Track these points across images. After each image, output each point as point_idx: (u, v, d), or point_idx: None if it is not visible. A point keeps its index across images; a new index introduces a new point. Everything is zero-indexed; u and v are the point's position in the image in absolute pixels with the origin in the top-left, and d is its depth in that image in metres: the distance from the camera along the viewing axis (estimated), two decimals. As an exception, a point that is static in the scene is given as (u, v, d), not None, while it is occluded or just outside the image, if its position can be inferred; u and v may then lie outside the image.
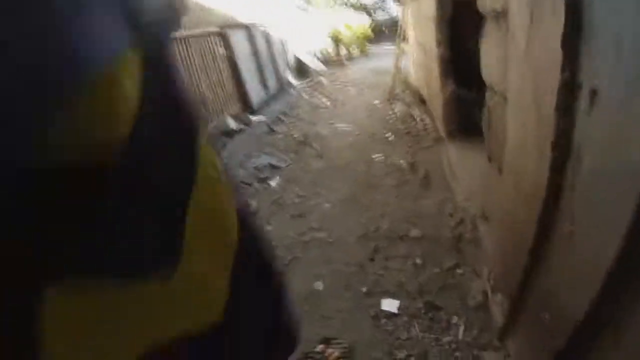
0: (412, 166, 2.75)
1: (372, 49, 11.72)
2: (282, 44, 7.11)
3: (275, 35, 6.52)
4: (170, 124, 0.46)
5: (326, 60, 9.39)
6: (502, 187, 1.22)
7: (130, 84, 0.36)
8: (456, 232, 1.90)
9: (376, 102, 4.92)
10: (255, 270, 0.67)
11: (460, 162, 2.49)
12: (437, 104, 3.26)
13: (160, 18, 0.47)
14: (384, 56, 9.18)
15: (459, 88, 2.88)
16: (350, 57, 10.36)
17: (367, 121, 4.18)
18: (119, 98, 0.34)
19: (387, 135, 3.57)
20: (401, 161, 2.86)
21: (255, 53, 5.21)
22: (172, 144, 0.46)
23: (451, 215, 2.05)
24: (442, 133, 3.12)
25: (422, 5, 3.45)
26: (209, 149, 0.55)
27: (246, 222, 0.62)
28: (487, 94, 1.39)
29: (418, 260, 1.82)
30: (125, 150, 0.36)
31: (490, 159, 1.47)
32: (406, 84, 5.38)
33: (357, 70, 8.07)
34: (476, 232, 1.84)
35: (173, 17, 0.54)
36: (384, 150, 3.22)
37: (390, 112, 4.26)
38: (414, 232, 2.00)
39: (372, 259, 1.89)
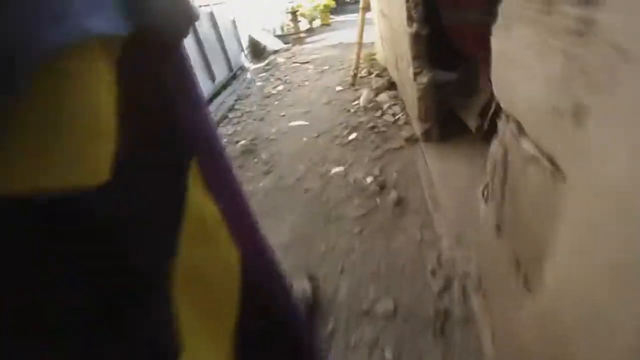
0: (380, 184, 2.14)
1: (336, 19, 10.96)
2: (233, 24, 6.28)
3: (224, 15, 5.69)
4: (158, 156, 0.35)
5: (285, 37, 8.57)
6: (531, 321, 0.63)
7: (100, 88, 0.27)
8: (441, 306, 1.33)
9: (338, 87, 4.24)
10: (266, 332, 0.56)
11: (443, 181, 1.91)
12: (409, 92, 2.63)
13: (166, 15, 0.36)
14: (348, 26, 8.47)
15: (435, 70, 2.23)
16: (311, 31, 9.54)
17: (326, 114, 3.52)
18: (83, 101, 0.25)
19: (349, 135, 2.93)
20: (367, 178, 2.24)
21: (198, 40, 4.44)
22: (158, 183, 0.36)
23: (434, 273, 1.47)
24: (417, 132, 2.52)
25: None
26: (197, 187, 0.43)
27: (254, 268, 0.50)
28: (503, 124, 0.77)
29: (388, 355, 1.25)
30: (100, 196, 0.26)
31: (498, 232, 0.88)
32: (372, 62, 4.72)
33: (319, 46, 7.29)
34: (467, 306, 1.28)
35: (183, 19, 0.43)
36: (346, 159, 2.59)
37: (354, 101, 3.61)
38: (384, 304, 1.42)
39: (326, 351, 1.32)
